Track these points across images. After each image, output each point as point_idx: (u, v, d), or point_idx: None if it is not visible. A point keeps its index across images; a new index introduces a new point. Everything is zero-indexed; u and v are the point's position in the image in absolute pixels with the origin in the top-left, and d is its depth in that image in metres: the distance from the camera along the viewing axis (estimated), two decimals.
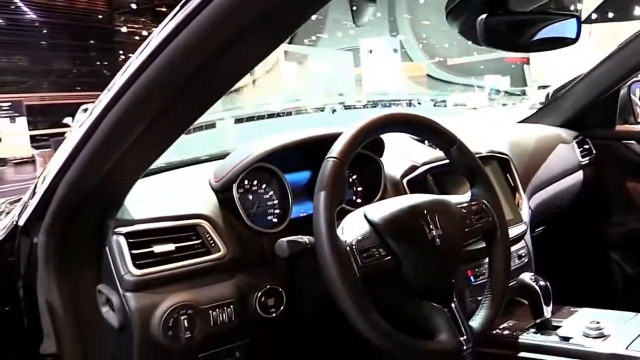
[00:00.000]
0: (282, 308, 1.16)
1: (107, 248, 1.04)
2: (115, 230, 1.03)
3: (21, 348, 1.07)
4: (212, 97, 0.79)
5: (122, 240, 1.03)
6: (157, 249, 1.06)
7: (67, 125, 12.60)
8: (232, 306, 1.10)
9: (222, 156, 1.38)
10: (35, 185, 1.02)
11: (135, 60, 0.73)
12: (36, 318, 1.05)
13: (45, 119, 14.60)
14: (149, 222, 1.08)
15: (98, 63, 20.82)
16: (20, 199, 1.25)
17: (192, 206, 1.15)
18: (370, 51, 16.12)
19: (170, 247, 1.07)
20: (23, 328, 1.07)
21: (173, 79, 0.71)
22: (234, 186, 1.18)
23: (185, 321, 1.03)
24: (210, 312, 1.07)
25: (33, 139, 12.07)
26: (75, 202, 0.96)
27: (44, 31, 18.47)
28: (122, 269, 1.01)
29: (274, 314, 1.15)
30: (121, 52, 22.74)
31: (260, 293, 1.13)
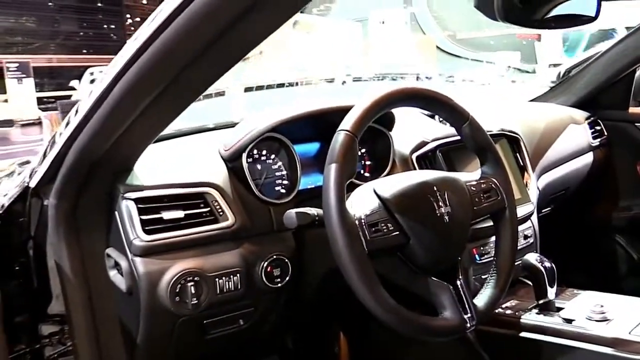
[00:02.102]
0: (287, 278, 1.17)
1: (116, 213, 1.04)
2: (125, 195, 1.03)
3: (30, 308, 1.09)
4: (224, 66, 0.78)
5: (132, 206, 1.03)
6: (166, 215, 1.06)
7: (73, 88, 12.59)
8: (238, 275, 1.11)
9: (231, 125, 1.37)
10: (47, 148, 1.02)
11: (147, 27, 0.72)
12: (45, 279, 1.07)
13: (52, 82, 14.56)
14: (159, 188, 1.08)
15: (105, 27, 20.66)
16: (29, 160, 1.26)
17: (201, 174, 1.15)
18: (382, 22, 15.94)
19: (180, 214, 1.07)
20: (32, 288, 1.09)
21: (186, 47, 0.70)
22: (244, 155, 1.18)
23: (192, 287, 1.04)
24: (217, 279, 1.07)
25: (39, 101, 12.06)
26: (86, 167, 0.96)
27: None
28: (131, 234, 1.02)
29: (279, 284, 1.16)
30: (128, 15, 22.56)
31: (266, 263, 1.14)
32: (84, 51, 18.60)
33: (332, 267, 0.96)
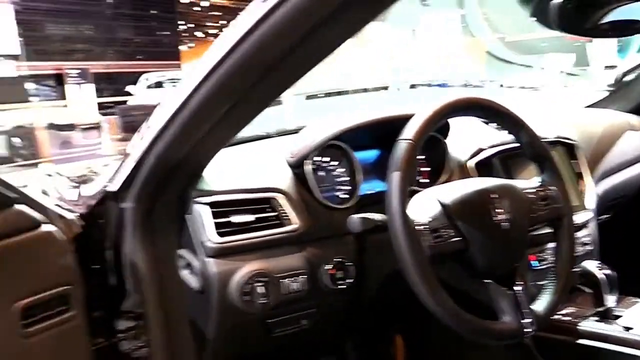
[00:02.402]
0: (349, 281, 1.21)
1: (189, 216, 1.10)
2: (198, 199, 1.09)
3: (107, 304, 1.15)
4: (300, 73, 0.81)
5: (206, 210, 1.09)
6: (236, 219, 1.12)
7: (129, 94, 12.98)
8: (303, 276, 1.16)
9: (291, 132, 1.42)
10: (126, 154, 1.08)
11: (226, 40, 0.76)
12: (121, 277, 1.13)
13: (109, 87, 15.03)
14: (230, 193, 1.14)
15: (158, 33, 21.17)
16: (107, 164, 1.34)
17: (268, 180, 1.21)
18: (428, 26, 15.79)
19: (249, 217, 1.13)
20: (109, 286, 1.16)
21: (263, 59, 0.74)
22: (308, 162, 1.23)
23: (261, 288, 1.10)
24: (283, 280, 1.13)
25: (99, 106, 12.48)
26: (162, 172, 1.02)
27: (108, 0, 18.92)
28: (204, 236, 1.08)
29: (341, 286, 1.20)
30: (181, 22, 23.04)
31: (329, 265, 1.19)
32: (138, 57, 19.10)
33: (392, 270, 1.00)
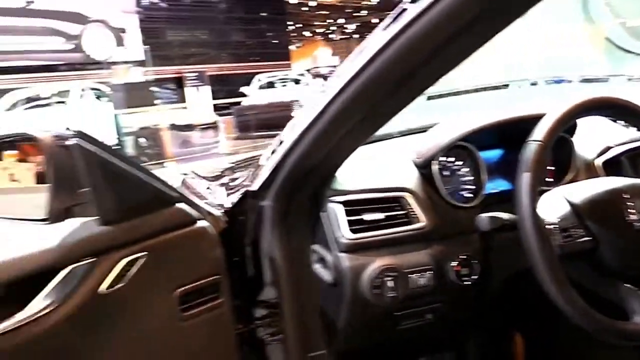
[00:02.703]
0: (474, 277, 1.24)
1: (323, 214, 1.18)
2: (332, 198, 1.17)
3: (246, 294, 1.25)
4: (427, 86, 0.86)
5: (340, 208, 1.17)
6: (367, 217, 1.19)
7: (243, 94, 13.56)
8: (429, 272, 1.21)
9: (416, 131, 1.47)
10: (268, 155, 1.18)
11: (364, 52, 0.81)
12: (259, 270, 1.23)
13: (223, 88, 15.77)
14: (361, 192, 1.21)
15: (268, 34, 21.82)
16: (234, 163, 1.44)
17: (396, 180, 1.26)
18: (541, 13, 15.03)
19: (380, 215, 1.20)
20: (248, 277, 1.26)
21: (398, 71, 0.79)
22: (435, 163, 1.27)
23: (391, 282, 1.16)
24: (412, 275, 1.18)
25: (213, 106, 13.18)
26: (299, 174, 1.10)
27: (221, 5, 19.80)
28: (338, 233, 1.16)
29: (466, 282, 1.23)
30: (290, 23, 23.58)
31: (455, 262, 1.22)
32: (250, 59, 19.81)
33: (517, 269, 1.02)
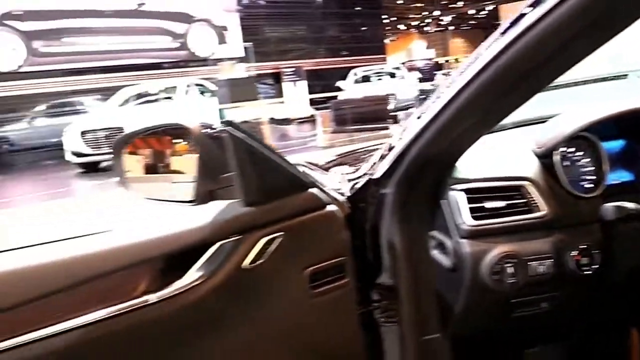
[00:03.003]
0: (595, 267, 1.23)
1: (444, 201, 1.22)
2: (454, 186, 1.21)
3: (364, 277, 1.30)
4: (548, 81, 0.87)
5: (461, 196, 1.20)
6: (488, 204, 1.21)
7: (339, 89, 13.75)
8: (549, 260, 1.21)
9: (535, 122, 1.46)
10: (390, 145, 1.23)
11: (490, 48, 0.85)
12: (377, 254, 1.28)
13: (319, 83, 16.04)
14: (483, 181, 1.24)
15: (363, 28, 21.87)
16: (357, 154, 1.50)
17: (517, 169, 1.27)
18: None
19: (501, 203, 1.22)
20: (367, 261, 1.31)
21: (522, 67, 0.82)
22: (557, 153, 1.27)
23: (511, 268, 1.17)
24: (531, 263, 1.19)
25: (310, 101, 13.44)
26: (421, 163, 1.14)
27: (318, 1, 20.08)
28: (459, 219, 1.19)
29: (586, 272, 1.22)
30: (384, 16, 23.51)
31: (575, 252, 1.22)
32: (345, 53, 19.96)
33: None
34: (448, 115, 1.01)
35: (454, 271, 1.21)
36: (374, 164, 1.29)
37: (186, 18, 16.42)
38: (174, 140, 1.21)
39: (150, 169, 1.26)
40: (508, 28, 0.81)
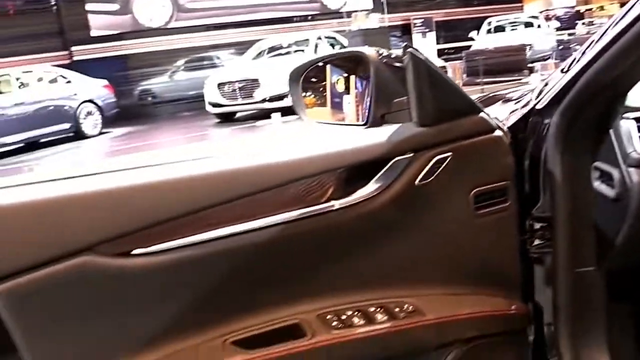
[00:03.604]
0: None
1: (611, 131, 1.21)
2: (624, 115, 1.20)
3: (520, 206, 1.31)
4: None
5: (632, 124, 1.19)
6: None
7: (471, 39, 13.25)
8: None
9: None
10: (556, 76, 1.24)
11: None
12: (536, 184, 1.29)
13: (449, 34, 15.57)
14: None
15: None
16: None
17: None
18: None
19: None
20: (524, 191, 1.33)
21: None
22: None
23: None
24: None
25: (438, 52, 13.12)
26: (590, 92, 1.14)
27: None
28: (629, 148, 1.18)
29: None
30: None
31: None
32: (476, 2, 19.06)
33: None
34: (623, 42, 1.01)
35: (617, 201, 1.21)
36: (539, 94, 1.30)
37: None
38: (348, 68, 1.31)
39: (325, 96, 1.38)
40: None
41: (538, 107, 1.27)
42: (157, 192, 0.99)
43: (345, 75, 1.35)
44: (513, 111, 1.37)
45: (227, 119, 10.82)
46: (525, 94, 1.41)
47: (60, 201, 0.93)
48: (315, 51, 11.05)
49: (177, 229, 1.00)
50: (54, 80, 10.94)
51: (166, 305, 1.00)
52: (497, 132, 1.18)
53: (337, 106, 1.35)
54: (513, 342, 1.28)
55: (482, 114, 1.16)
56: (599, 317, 1.28)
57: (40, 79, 10.78)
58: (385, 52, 1.20)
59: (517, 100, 1.46)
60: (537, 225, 1.28)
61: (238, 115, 10.90)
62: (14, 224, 0.90)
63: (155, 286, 0.99)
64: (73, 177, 1.00)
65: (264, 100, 10.01)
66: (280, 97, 9.63)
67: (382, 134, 1.13)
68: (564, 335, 1.26)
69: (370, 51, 1.17)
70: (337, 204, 1.08)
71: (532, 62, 11.31)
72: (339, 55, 1.25)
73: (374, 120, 1.19)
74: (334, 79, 1.36)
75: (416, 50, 1.05)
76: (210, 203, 1.00)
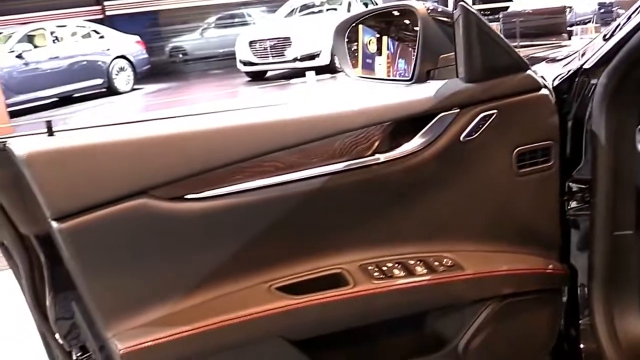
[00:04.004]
0: None
1: None
2: None
3: (561, 168, 1.31)
4: None
5: None
6: None
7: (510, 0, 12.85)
8: None
9: None
10: (606, 35, 1.22)
11: None
12: (578, 146, 1.28)
13: None
14: None
15: None
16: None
17: None
18: None
19: None
20: (565, 155, 1.30)
21: None
22: None
23: None
24: None
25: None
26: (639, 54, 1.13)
27: None
28: None
29: None
30: None
31: None
32: None
33: None
34: None
35: None
36: (585, 54, 1.28)
37: None
38: (380, 29, 1.30)
39: (357, 57, 1.38)
40: None
41: (585, 67, 1.25)
42: (209, 141, 1.02)
43: (378, 36, 1.35)
44: (559, 72, 1.35)
45: (258, 77, 10.80)
46: (571, 54, 1.39)
47: (118, 145, 0.97)
48: (349, 10, 10.86)
49: (227, 176, 1.03)
50: (87, 35, 11.03)
51: (215, 249, 1.04)
52: (544, 91, 1.17)
53: (368, 67, 1.35)
54: (547, 301, 1.29)
55: (529, 72, 1.15)
56: (634, 282, 1.28)
57: (74, 34, 10.87)
58: (433, 6, 1.20)
59: (562, 60, 1.43)
60: (576, 188, 1.28)
61: (269, 74, 10.87)
62: (74, 166, 0.94)
63: (205, 231, 1.03)
64: (130, 122, 1.03)
65: (295, 60, 9.94)
66: (311, 57, 9.55)
67: (428, 90, 1.13)
68: (598, 298, 1.27)
69: (419, 5, 1.17)
70: (382, 157, 1.10)
71: (571, 25, 10.96)
72: (385, 9, 1.24)
73: (420, 75, 1.20)
74: (366, 39, 1.35)
75: (467, 4, 1.05)
76: (259, 152, 1.03)
